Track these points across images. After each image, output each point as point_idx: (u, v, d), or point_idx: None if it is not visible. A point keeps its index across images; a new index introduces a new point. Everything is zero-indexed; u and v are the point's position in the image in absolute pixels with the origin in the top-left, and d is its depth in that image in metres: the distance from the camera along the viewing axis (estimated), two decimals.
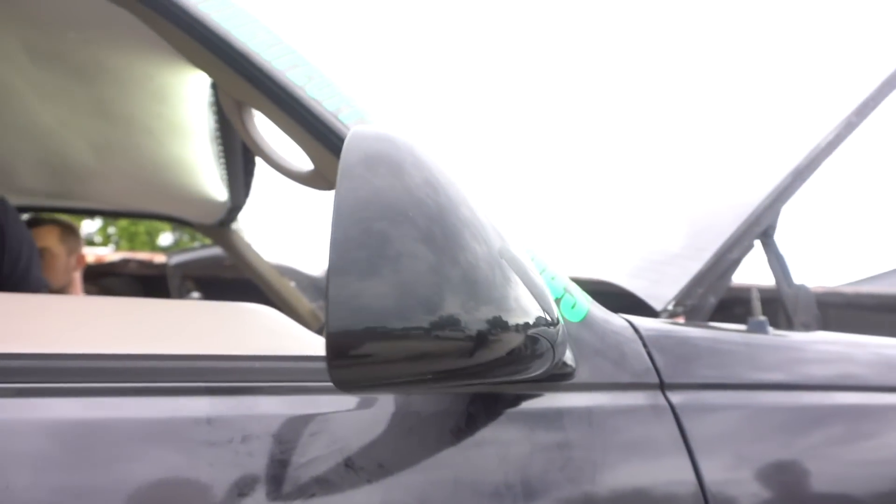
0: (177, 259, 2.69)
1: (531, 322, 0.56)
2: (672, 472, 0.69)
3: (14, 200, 1.53)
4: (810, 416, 0.81)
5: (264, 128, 0.94)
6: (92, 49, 1.35)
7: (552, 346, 0.60)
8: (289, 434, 0.59)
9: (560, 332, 0.62)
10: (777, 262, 1.17)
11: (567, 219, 1.96)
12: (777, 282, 1.17)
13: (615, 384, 0.73)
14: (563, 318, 0.72)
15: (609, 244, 1.59)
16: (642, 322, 0.80)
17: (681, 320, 1.10)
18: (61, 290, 2.03)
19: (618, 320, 0.78)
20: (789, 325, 1.14)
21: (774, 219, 1.15)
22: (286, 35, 0.80)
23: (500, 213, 0.61)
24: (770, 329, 0.95)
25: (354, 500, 0.58)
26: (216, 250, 2.43)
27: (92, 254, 4.70)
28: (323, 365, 0.50)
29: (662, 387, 0.74)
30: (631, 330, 0.78)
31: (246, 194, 2.06)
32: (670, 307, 1.11)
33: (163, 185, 2.03)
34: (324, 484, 0.57)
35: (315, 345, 0.70)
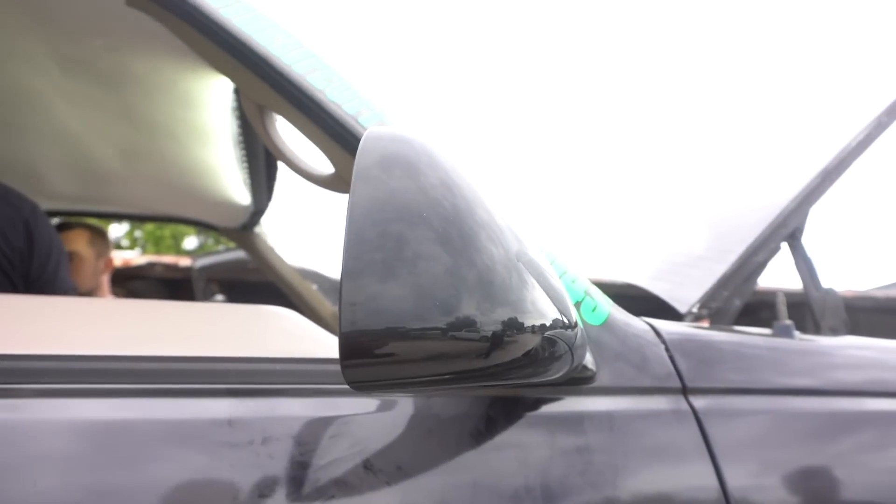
0: (201, 262, 2.73)
1: (548, 324, 0.56)
2: (694, 477, 0.68)
3: (44, 205, 1.56)
4: (838, 422, 0.79)
5: (285, 131, 0.95)
6: (118, 56, 1.37)
7: (570, 349, 0.60)
8: (309, 436, 0.59)
9: (578, 335, 0.61)
10: (804, 265, 1.15)
11: (591, 221, 1.95)
12: (804, 285, 1.15)
13: (637, 388, 0.72)
14: (584, 321, 0.72)
15: (633, 246, 1.57)
16: (665, 325, 0.79)
17: (705, 324, 1.08)
18: (89, 292, 2.07)
19: (639, 324, 0.77)
20: (817, 330, 1.12)
21: (802, 220, 1.13)
22: (306, 39, 0.81)
23: (518, 215, 0.61)
24: (796, 333, 0.93)
25: (373, 502, 0.58)
26: (240, 254, 2.45)
27: (119, 257, 4.79)
28: None
29: (685, 391, 0.73)
30: (653, 333, 0.77)
31: (268, 198, 2.08)
32: (694, 310, 1.09)
33: (187, 188, 2.06)
34: (343, 486, 0.57)
35: (335, 347, 0.70)
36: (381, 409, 0.63)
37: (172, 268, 5.22)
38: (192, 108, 1.58)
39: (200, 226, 2.37)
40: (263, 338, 0.73)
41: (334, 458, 0.58)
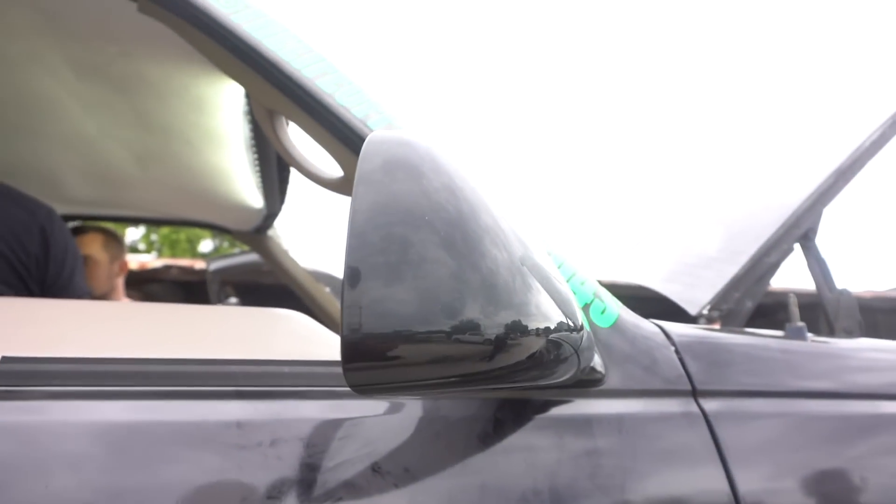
0: (216, 265, 2.75)
1: (552, 327, 0.56)
2: (704, 481, 0.68)
3: (61, 210, 1.59)
4: (851, 425, 0.78)
5: (295, 135, 0.96)
6: (131, 62, 1.39)
7: (576, 352, 0.59)
8: (317, 438, 0.59)
9: (585, 338, 0.61)
10: (818, 265, 1.14)
11: (602, 222, 1.94)
12: (818, 286, 1.14)
13: (646, 391, 0.71)
14: (593, 323, 0.71)
15: (644, 248, 1.57)
16: (674, 327, 0.79)
17: (716, 326, 1.07)
18: (104, 296, 2.09)
19: (649, 326, 0.77)
20: (831, 332, 1.11)
21: (815, 221, 1.12)
22: (315, 43, 0.81)
23: (523, 219, 0.61)
24: (809, 335, 0.92)
25: None
26: (254, 256, 2.47)
27: (135, 260, 4.84)
28: None
29: (695, 394, 0.73)
30: (662, 335, 0.76)
31: (281, 201, 2.09)
32: (705, 312, 1.08)
33: (200, 192, 2.08)
34: (351, 488, 0.57)
35: None
36: (389, 411, 0.63)
37: (188, 271, 5.27)
38: (204, 112, 1.60)
39: (214, 229, 2.39)
40: (273, 340, 0.73)
41: (343, 461, 0.58)
